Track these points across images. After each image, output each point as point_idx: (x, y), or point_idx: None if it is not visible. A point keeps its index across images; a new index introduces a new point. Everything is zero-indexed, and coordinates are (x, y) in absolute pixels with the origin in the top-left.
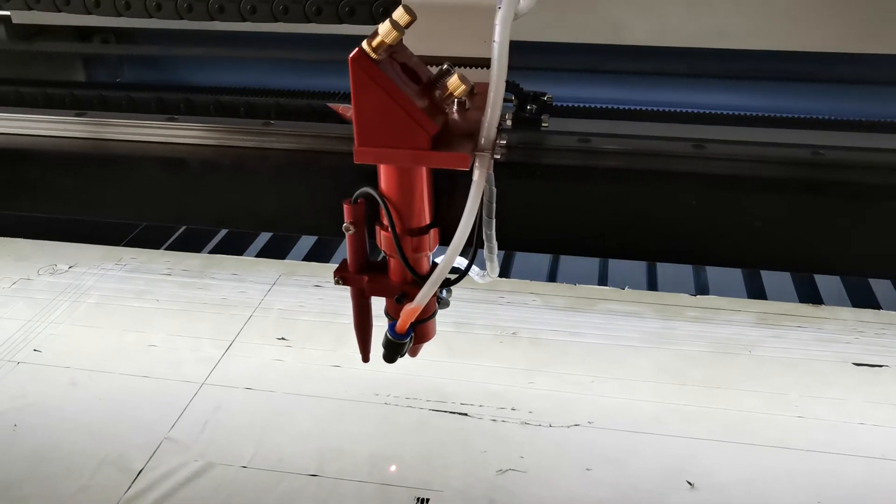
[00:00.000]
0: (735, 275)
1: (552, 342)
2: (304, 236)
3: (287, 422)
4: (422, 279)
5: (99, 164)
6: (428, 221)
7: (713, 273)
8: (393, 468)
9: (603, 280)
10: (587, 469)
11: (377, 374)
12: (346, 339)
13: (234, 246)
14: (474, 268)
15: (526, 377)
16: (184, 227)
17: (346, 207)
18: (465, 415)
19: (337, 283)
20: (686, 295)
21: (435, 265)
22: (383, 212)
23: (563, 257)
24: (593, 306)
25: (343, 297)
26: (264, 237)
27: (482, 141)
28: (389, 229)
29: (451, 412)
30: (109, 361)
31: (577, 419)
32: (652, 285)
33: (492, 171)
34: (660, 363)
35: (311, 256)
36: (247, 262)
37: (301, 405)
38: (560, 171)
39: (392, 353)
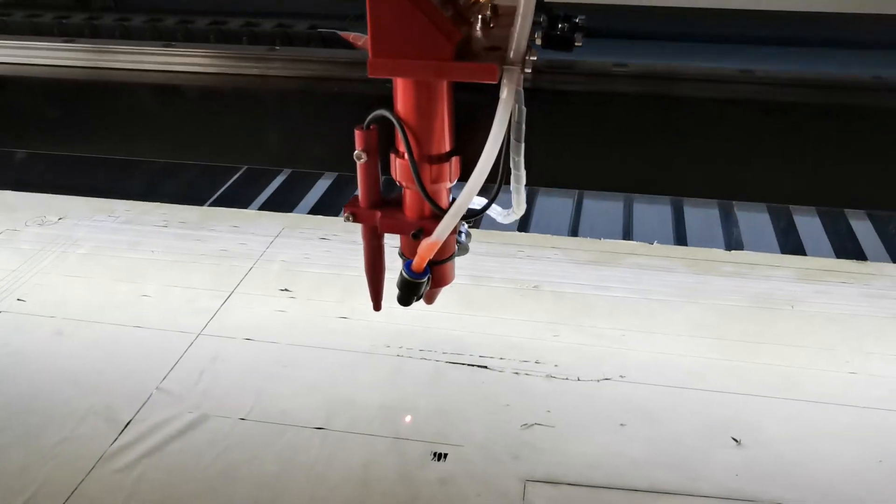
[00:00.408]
0: (767, 230)
1: (577, 296)
2: (309, 192)
3: (291, 373)
4: (442, 210)
5: (89, 95)
6: (448, 148)
7: (745, 228)
8: (408, 418)
9: (628, 235)
10: (621, 424)
11: (389, 326)
12: (355, 291)
13: (233, 201)
14: (495, 207)
15: (550, 330)
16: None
17: (357, 134)
18: (485, 367)
19: (347, 219)
20: (719, 250)
21: (454, 201)
22: (400, 136)
23: (584, 210)
24: (620, 261)
25: (351, 250)
26: (266, 192)
27: (511, 54)
28: (406, 155)
29: (469, 364)
30: (99, 311)
31: (608, 373)
32: (680, 240)
33: (521, 88)
34: (695, 317)
35: (316, 211)
36: (248, 214)
37: (306, 356)
38: (593, 98)
39: (408, 294)
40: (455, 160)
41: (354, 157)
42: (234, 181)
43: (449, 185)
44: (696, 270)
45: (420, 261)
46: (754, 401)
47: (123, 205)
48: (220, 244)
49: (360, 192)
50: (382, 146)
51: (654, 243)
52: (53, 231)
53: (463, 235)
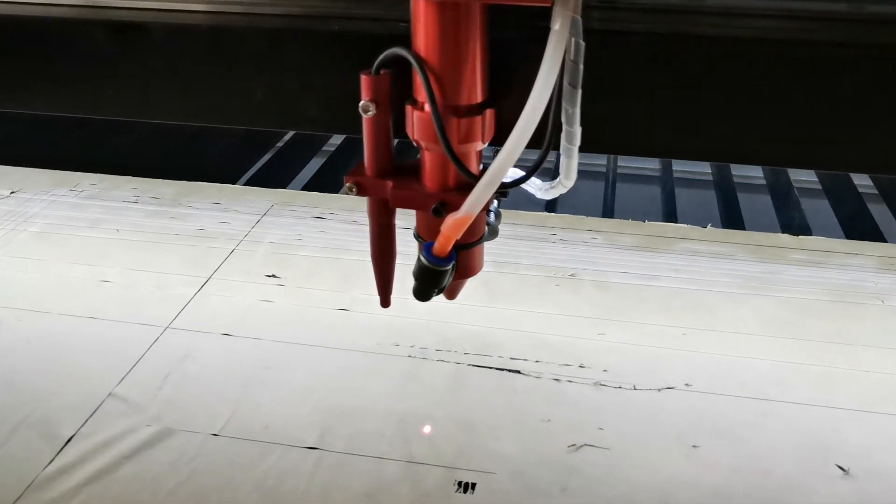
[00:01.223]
0: (827, 214)
1: (623, 286)
2: (304, 167)
3: (277, 378)
4: (473, 177)
5: (32, 38)
6: (481, 98)
7: (807, 210)
8: (427, 429)
9: (671, 217)
10: (693, 446)
11: (398, 320)
12: (357, 279)
13: (217, 177)
14: (534, 180)
15: (594, 327)
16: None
17: (364, 80)
18: (518, 372)
19: (349, 191)
20: (785, 235)
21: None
22: (420, 81)
23: (619, 190)
24: (670, 246)
25: (352, 231)
26: (255, 167)
27: None
28: (428, 105)
29: (498, 368)
30: (47, 299)
31: (670, 380)
32: (733, 222)
33: (579, 16)
34: (766, 313)
35: (311, 188)
36: (231, 189)
37: (297, 357)
38: (662, 41)
39: (427, 285)
40: (489, 114)
41: (360, 110)
42: (219, 154)
43: (480, 146)
44: (761, 258)
45: (444, 243)
46: (857, 417)
47: (89, 178)
48: (197, 222)
49: (366, 156)
50: (395, 97)
51: (708, 226)
52: (3, 206)
53: (492, 215)
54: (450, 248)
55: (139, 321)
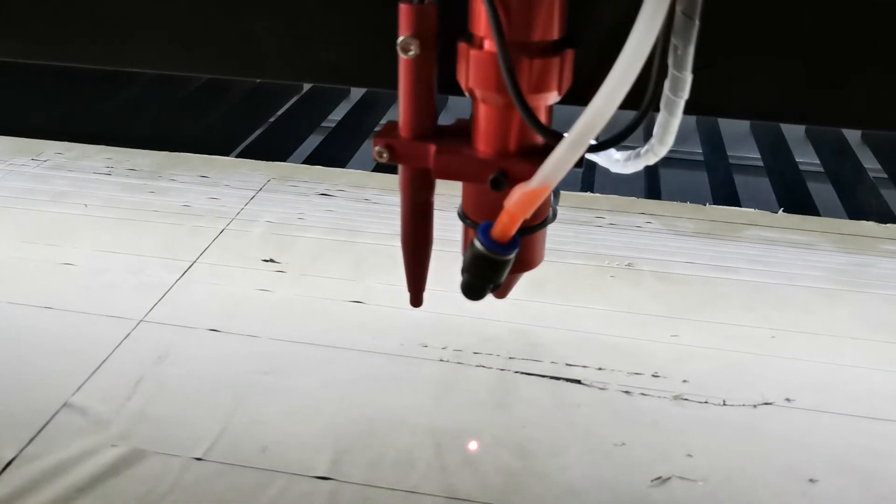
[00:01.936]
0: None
1: (692, 279)
2: (307, 139)
3: (278, 386)
4: (554, 135)
5: None
6: (558, 35)
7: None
8: (474, 445)
9: (724, 199)
10: (810, 480)
11: (423, 315)
12: (371, 265)
13: (206, 148)
14: (610, 150)
15: (663, 328)
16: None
17: (404, 11)
18: (578, 382)
19: (379, 156)
20: (871, 223)
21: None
22: (481, 7)
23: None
24: (737, 233)
25: (366, 210)
26: (247, 140)
27: None
28: (490, 40)
29: (552, 377)
30: None
31: (766, 394)
32: (801, 207)
33: None
34: (869, 313)
35: (314, 161)
36: (222, 161)
37: (301, 360)
38: None
39: (482, 278)
40: (569, 56)
41: (399, 50)
42: (208, 125)
43: (554, 97)
44: (846, 248)
45: (509, 223)
46: None
47: (55, 146)
48: (181, 198)
49: (402, 112)
50: (441, 36)
51: (780, 211)
52: None
53: (551, 194)
54: (514, 230)
55: (107, 313)
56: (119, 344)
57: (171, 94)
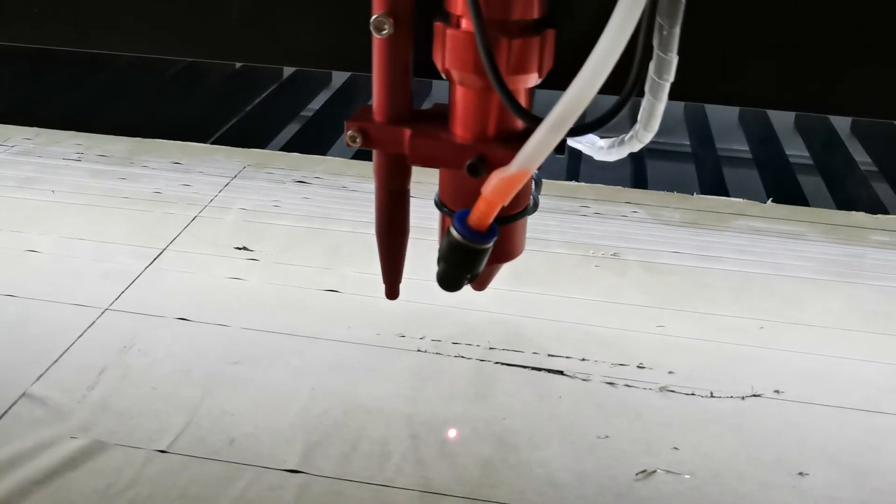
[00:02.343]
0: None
1: (679, 269)
2: (285, 128)
3: (248, 376)
4: (533, 118)
5: None
6: (538, 14)
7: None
8: (453, 433)
9: (712, 189)
10: (800, 474)
11: (402, 305)
12: (348, 253)
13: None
14: (591, 136)
15: (649, 318)
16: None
17: None
18: (560, 373)
19: (352, 141)
20: (861, 213)
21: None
22: None
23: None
24: (726, 223)
25: (343, 198)
26: (222, 129)
27: None
28: (467, 19)
29: (534, 367)
30: None
31: (755, 386)
32: (790, 198)
33: None
34: (862, 304)
35: (292, 149)
36: (196, 148)
37: (273, 350)
38: None
39: (459, 268)
40: (549, 36)
41: (372, 28)
42: (186, 108)
43: (534, 80)
44: (837, 239)
45: (486, 211)
46: None
47: (24, 132)
48: (152, 184)
49: (376, 94)
50: (416, 17)
51: (769, 201)
52: None
53: (532, 184)
54: (492, 218)
55: (70, 300)
56: (83, 333)
57: (147, 80)
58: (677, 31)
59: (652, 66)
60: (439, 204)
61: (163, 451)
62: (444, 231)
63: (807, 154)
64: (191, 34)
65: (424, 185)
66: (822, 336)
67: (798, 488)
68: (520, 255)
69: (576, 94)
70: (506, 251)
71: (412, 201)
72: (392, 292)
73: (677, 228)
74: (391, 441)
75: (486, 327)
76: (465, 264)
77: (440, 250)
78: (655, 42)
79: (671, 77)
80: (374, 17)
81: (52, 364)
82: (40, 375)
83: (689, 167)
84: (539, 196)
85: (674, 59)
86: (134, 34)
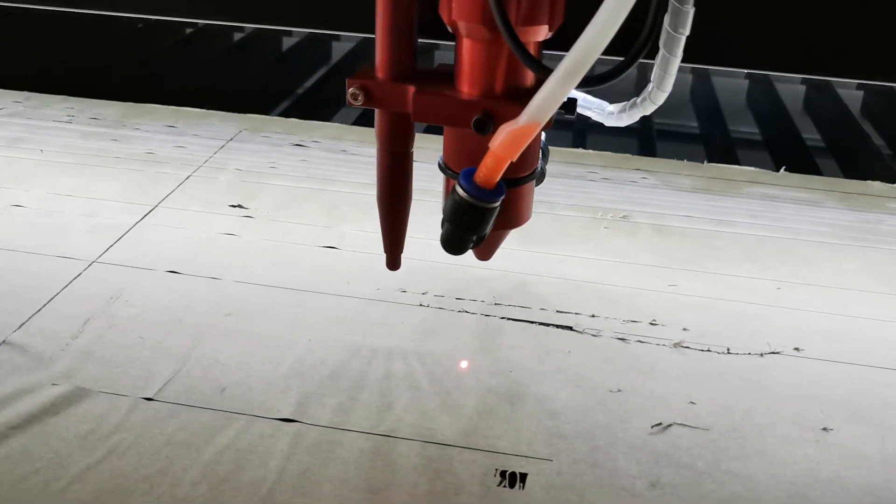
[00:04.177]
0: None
1: (691, 231)
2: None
3: (241, 327)
4: (543, 69)
5: None
6: None
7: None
8: (464, 364)
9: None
10: (824, 429)
11: (403, 261)
12: (346, 212)
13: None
14: (600, 102)
15: (661, 277)
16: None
17: None
18: (570, 328)
19: (353, 99)
20: (877, 182)
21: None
22: None
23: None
24: (738, 189)
25: (342, 161)
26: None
27: None
28: None
29: (541, 323)
30: None
31: (773, 343)
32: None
33: None
34: (879, 267)
35: (290, 114)
36: (191, 113)
37: (268, 302)
38: None
39: (464, 229)
40: None
41: None
42: (183, 76)
43: (544, 33)
44: (853, 206)
45: (494, 167)
46: None
47: (13, 95)
48: (145, 146)
49: (379, 50)
50: None
51: (782, 170)
52: None
53: (540, 153)
54: (500, 175)
55: (57, 254)
56: (68, 284)
57: (147, 48)
58: None
59: (667, 18)
60: (444, 167)
61: (149, 399)
62: (449, 195)
63: (818, 136)
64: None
65: (427, 150)
66: (840, 296)
67: (821, 443)
68: (527, 221)
69: (588, 42)
70: (512, 216)
71: (414, 165)
72: (393, 262)
73: (688, 194)
74: (392, 392)
75: (492, 283)
76: (470, 225)
77: (445, 210)
78: None
79: (687, 30)
80: None
81: (35, 313)
82: (22, 324)
83: (698, 148)
84: (546, 166)
85: (690, 11)
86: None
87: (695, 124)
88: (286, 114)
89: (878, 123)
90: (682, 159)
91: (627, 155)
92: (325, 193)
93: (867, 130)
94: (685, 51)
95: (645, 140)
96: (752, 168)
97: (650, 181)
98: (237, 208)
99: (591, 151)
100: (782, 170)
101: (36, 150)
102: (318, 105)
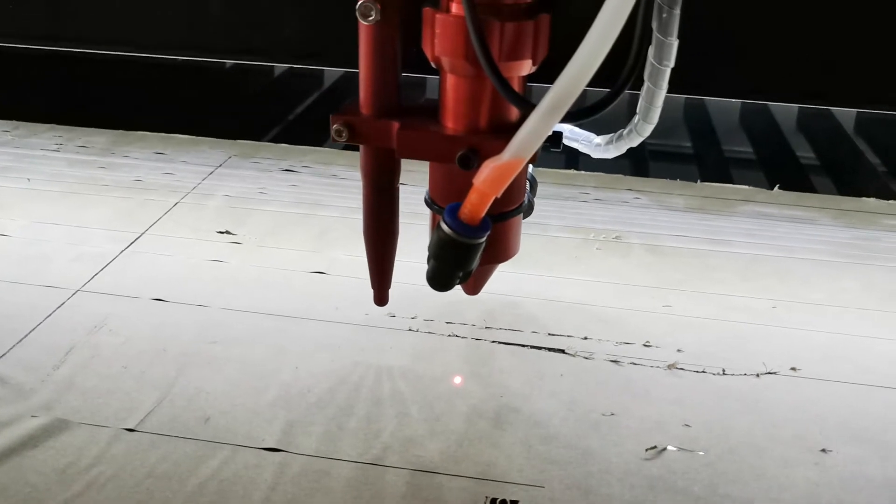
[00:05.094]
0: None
1: (685, 251)
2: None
3: (227, 355)
4: (526, 104)
5: None
6: None
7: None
8: (458, 380)
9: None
10: (822, 450)
11: (392, 286)
12: (335, 237)
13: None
14: (587, 134)
15: (655, 297)
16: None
17: None
18: (562, 351)
19: (337, 136)
20: (872, 199)
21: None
22: None
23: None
24: (732, 208)
25: (331, 185)
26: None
27: None
28: (457, 3)
29: (533, 346)
30: None
31: (770, 363)
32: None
33: None
34: (877, 284)
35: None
36: (180, 140)
37: (254, 329)
38: None
39: (449, 265)
40: (543, 21)
41: (359, 14)
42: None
43: (528, 67)
44: (849, 223)
45: (478, 203)
46: None
47: (3, 125)
48: (133, 173)
49: (363, 86)
50: (407, 5)
51: (776, 188)
52: None
53: (527, 184)
54: (484, 211)
55: (40, 282)
56: (51, 313)
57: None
58: (678, 11)
59: (651, 50)
60: (430, 202)
61: (131, 430)
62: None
63: (812, 153)
64: (175, 32)
65: (416, 172)
66: (838, 315)
67: (821, 464)
68: (514, 255)
69: (571, 76)
70: (499, 251)
71: (403, 188)
72: (381, 298)
73: (682, 213)
74: (380, 418)
75: (482, 306)
76: (456, 261)
77: (430, 246)
78: (655, 25)
79: (672, 62)
80: (360, 2)
81: (16, 344)
82: (2, 355)
83: (690, 167)
84: (534, 199)
85: (674, 43)
86: (115, 31)
87: (688, 144)
88: (277, 139)
89: (872, 140)
90: (675, 179)
91: (620, 175)
92: (315, 218)
93: (861, 147)
94: (674, 82)
95: (637, 160)
96: (746, 186)
97: (643, 201)
98: (225, 234)
99: (583, 172)
100: (776, 188)
101: (23, 178)
102: (309, 130)
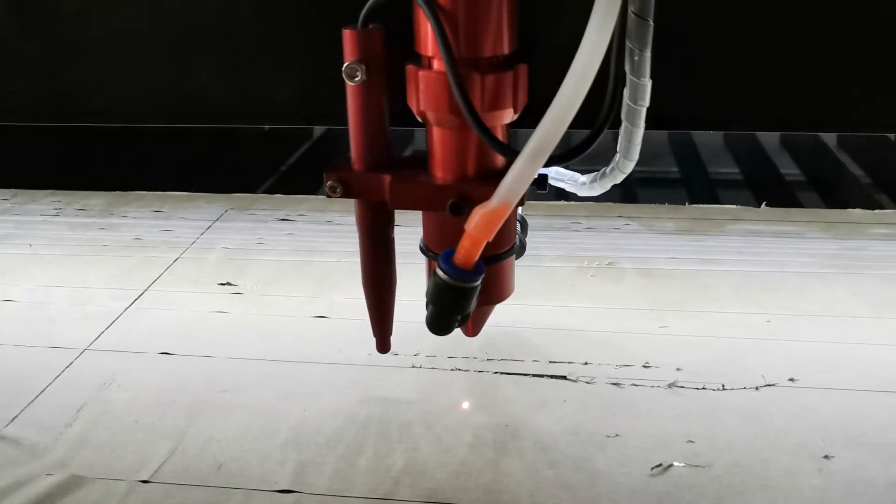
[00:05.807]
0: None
1: (677, 273)
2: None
3: (236, 402)
4: (510, 151)
5: None
6: (509, 49)
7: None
8: (466, 405)
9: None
10: (826, 457)
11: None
12: (335, 282)
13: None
14: (571, 173)
15: (651, 319)
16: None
17: (348, 36)
18: (564, 378)
19: (332, 192)
20: (858, 210)
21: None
22: (428, 25)
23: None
24: (721, 228)
25: (328, 232)
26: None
27: None
28: (439, 59)
29: (535, 375)
30: None
31: (768, 376)
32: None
33: None
34: (868, 292)
35: (275, 190)
36: (177, 197)
37: (261, 375)
38: None
39: (447, 309)
40: (521, 71)
41: (345, 76)
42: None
43: (510, 116)
44: (837, 235)
45: (471, 248)
46: None
47: (3, 193)
48: (132, 232)
49: (353, 143)
50: (390, 64)
51: (763, 206)
52: None
53: (518, 225)
54: (478, 255)
55: (48, 343)
56: (60, 373)
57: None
58: (648, 54)
59: (626, 92)
60: (425, 250)
61: (145, 482)
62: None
63: (796, 170)
64: (164, 100)
65: (408, 215)
66: (832, 324)
67: (825, 471)
68: (510, 295)
69: (551, 122)
70: (495, 292)
71: (402, 229)
72: (383, 346)
73: (672, 236)
74: (389, 454)
75: (483, 340)
76: (453, 305)
77: (427, 293)
78: (628, 67)
79: (646, 102)
80: (346, 64)
81: (28, 405)
82: (14, 417)
83: (679, 191)
84: (525, 240)
85: (648, 84)
86: (109, 104)
87: (674, 168)
88: (272, 190)
89: (855, 153)
90: (664, 203)
91: (610, 203)
92: (313, 265)
93: (844, 160)
94: (655, 118)
95: (626, 187)
96: (734, 206)
97: (633, 227)
98: (226, 286)
99: (573, 203)
100: (763, 205)
101: (24, 244)
102: (303, 178)
